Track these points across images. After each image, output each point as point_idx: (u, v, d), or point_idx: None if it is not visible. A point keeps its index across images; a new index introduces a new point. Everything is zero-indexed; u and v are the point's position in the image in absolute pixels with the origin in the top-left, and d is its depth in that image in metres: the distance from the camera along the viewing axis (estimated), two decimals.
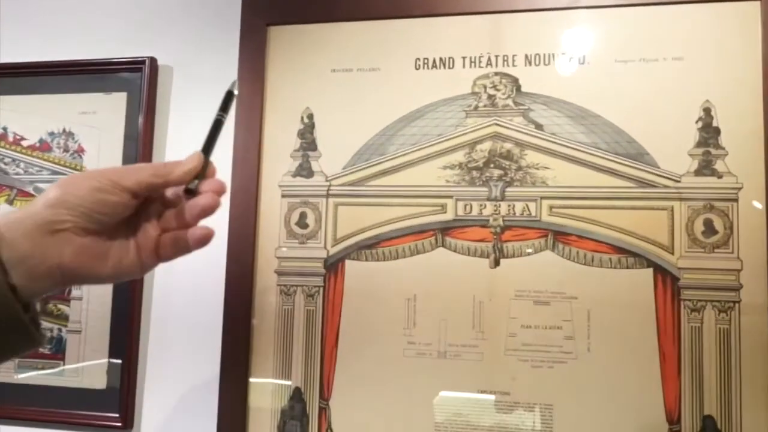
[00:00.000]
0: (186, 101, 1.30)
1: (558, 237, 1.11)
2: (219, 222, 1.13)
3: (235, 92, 0.73)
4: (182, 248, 0.64)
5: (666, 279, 1.07)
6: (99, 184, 0.57)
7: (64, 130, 1.30)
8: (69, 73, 1.29)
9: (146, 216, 0.64)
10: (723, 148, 1.07)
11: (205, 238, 0.63)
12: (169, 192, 0.64)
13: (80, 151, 1.29)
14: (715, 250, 1.06)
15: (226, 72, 1.26)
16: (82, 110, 1.29)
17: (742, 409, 1.03)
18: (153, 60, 1.27)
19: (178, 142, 1.30)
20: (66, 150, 1.30)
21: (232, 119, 1.24)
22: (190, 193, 0.63)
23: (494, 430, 1.10)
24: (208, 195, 0.63)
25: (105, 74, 1.28)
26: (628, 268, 1.09)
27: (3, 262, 0.52)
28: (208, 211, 0.63)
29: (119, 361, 1.23)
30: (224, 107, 0.72)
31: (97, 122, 1.29)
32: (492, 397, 1.11)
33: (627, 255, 1.09)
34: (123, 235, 0.62)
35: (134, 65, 1.26)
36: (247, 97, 1.24)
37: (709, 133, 1.08)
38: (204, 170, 0.64)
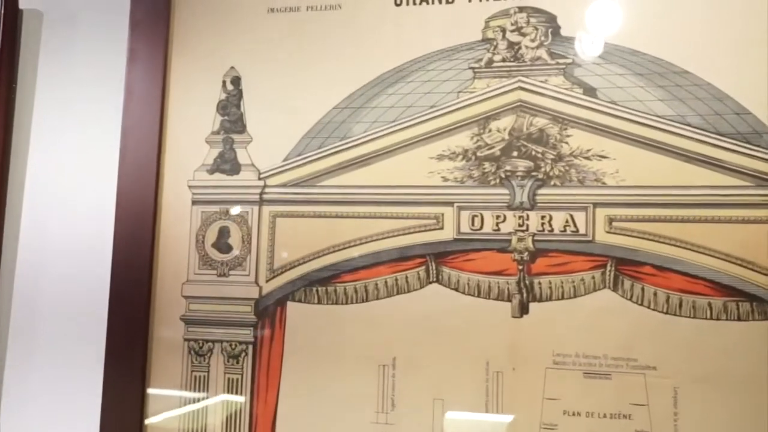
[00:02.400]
0: (59, 57, 0.94)
1: (623, 268, 0.73)
2: (98, 241, 0.86)
3: None
4: None
5: None
6: None
7: None
8: None
9: None
10: None
11: None
12: None
13: None
14: None
15: (115, 16, 0.90)
16: None
17: None
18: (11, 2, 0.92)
19: (48, 113, 0.93)
20: None
21: (119, 87, 0.84)
22: None
23: None
24: None
25: None
26: (739, 319, 0.70)
27: None
28: None
29: None
30: None
31: None
32: None
33: (738, 298, 0.70)
34: None
35: None
36: (143, 52, 0.86)
37: None
38: None
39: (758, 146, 0.70)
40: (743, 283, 0.69)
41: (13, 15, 0.92)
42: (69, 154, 0.90)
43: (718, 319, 0.70)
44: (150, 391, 0.81)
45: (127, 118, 0.85)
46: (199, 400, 0.81)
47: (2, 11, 0.90)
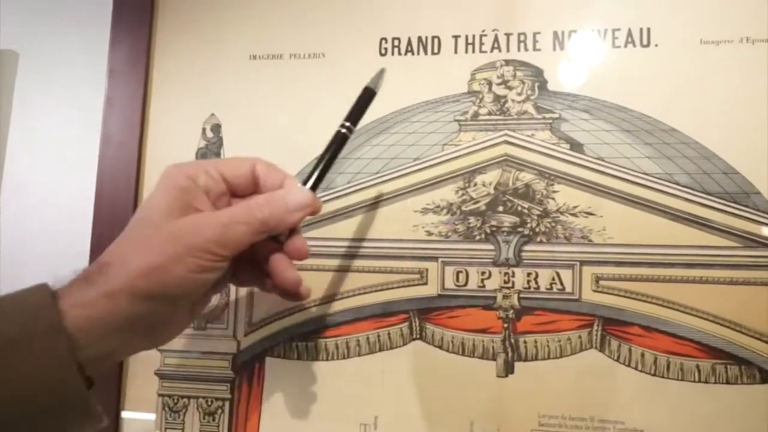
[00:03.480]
0: (35, 101, 0.90)
1: (610, 328, 0.70)
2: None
3: (377, 90, 0.62)
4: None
5: None
6: (198, 262, 0.49)
7: None
8: None
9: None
10: None
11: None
12: None
13: None
14: None
15: (92, 58, 0.86)
16: None
17: None
18: None
19: (22, 158, 0.89)
20: None
21: (95, 127, 0.80)
22: (278, 242, 0.55)
23: None
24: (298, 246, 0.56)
25: None
26: (728, 383, 0.67)
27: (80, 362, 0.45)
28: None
29: None
30: (354, 116, 0.60)
31: None
32: None
33: (727, 361, 0.68)
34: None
35: None
36: (120, 99, 0.81)
37: None
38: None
39: (746, 206, 0.68)
40: (731, 346, 0.67)
41: None
42: (42, 201, 0.86)
43: (706, 381, 0.67)
44: None
45: (103, 165, 0.81)
46: None
47: None
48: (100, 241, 0.80)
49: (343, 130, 0.59)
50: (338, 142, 0.59)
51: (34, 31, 0.90)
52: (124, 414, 0.78)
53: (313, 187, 0.57)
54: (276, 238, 0.55)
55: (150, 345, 0.53)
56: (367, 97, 0.62)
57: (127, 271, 0.47)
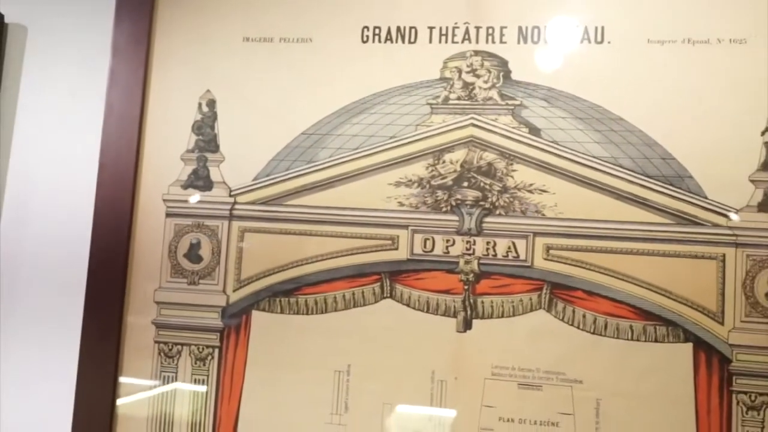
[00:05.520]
0: (42, 74, 0.98)
1: (557, 292, 0.80)
2: (77, 248, 0.89)
3: None
4: None
5: (711, 360, 0.77)
6: None
7: None
8: None
9: None
10: None
11: None
12: None
13: None
14: None
15: (97, 36, 0.94)
16: None
17: None
18: None
19: (29, 126, 0.97)
20: None
21: (101, 104, 0.88)
22: None
23: None
24: None
25: None
26: (657, 341, 0.78)
27: None
28: None
29: None
30: None
31: None
32: None
33: (656, 322, 0.78)
34: None
35: None
36: (123, 74, 0.90)
37: None
38: None
39: (680, 188, 0.78)
40: (661, 310, 0.77)
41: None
42: (49, 165, 0.94)
43: (638, 340, 0.77)
44: (121, 384, 0.87)
45: (106, 134, 0.89)
46: (166, 401, 0.86)
47: None
48: (102, 204, 0.88)
49: None
50: None
51: (41, 8, 0.97)
52: (122, 379, 0.86)
53: None
54: None
55: None
56: None
57: None
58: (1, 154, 0.96)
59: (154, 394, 0.86)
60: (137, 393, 0.86)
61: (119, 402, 0.86)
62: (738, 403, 0.75)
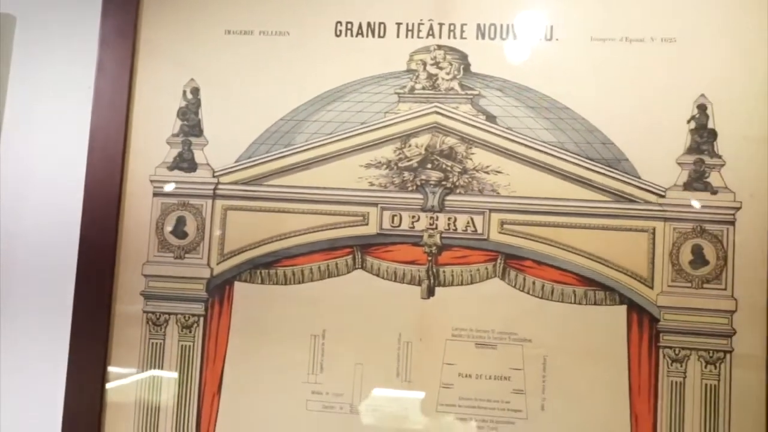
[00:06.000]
0: (31, 62, 1.02)
1: (510, 262, 0.89)
2: (68, 226, 0.95)
3: None
4: None
5: (642, 320, 0.87)
6: None
7: None
8: None
9: None
10: (719, 157, 0.87)
11: None
12: None
13: None
14: (705, 286, 0.86)
15: (85, 27, 0.99)
16: None
17: None
18: None
19: (19, 112, 1.02)
20: None
21: (89, 92, 0.94)
22: None
23: None
24: None
25: None
26: (596, 304, 0.88)
27: None
28: None
29: None
30: None
31: None
32: None
33: (596, 288, 0.88)
34: None
35: None
36: (111, 63, 0.96)
37: (703, 136, 0.87)
38: None
39: (617, 170, 0.88)
40: (600, 277, 0.87)
41: None
42: (40, 150, 0.99)
43: (579, 303, 0.87)
44: (112, 355, 0.93)
45: (95, 119, 0.95)
46: (155, 364, 0.93)
47: None
48: (92, 186, 0.94)
49: None
50: None
51: None
52: (113, 347, 0.93)
53: None
54: None
55: None
56: None
57: None
58: None
59: (144, 356, 0.93)
60: (127, 357, 0.93)
61: (110, 368, 0.93)
62: (664, 356, 0.86)
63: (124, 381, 0.93)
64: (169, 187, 0.95)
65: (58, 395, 0.93)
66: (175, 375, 0.93)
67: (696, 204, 0.86)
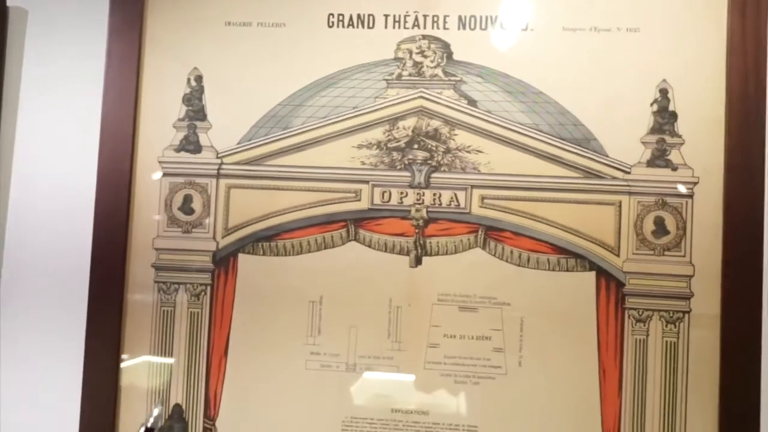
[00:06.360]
0: (43, 53, 1.09)
1: (490, 233, 0.97)
2: (83, 203, 1.02)
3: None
4: None
5: (610, 284, 0.96)
6: None
7: None
8: None
9: None
10: (679, 136, 0.95)
11: None
12: None
13: None
14: (666, 253, 0.95)
15: (93, 19, 1.05)
16: None
17: None
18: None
19: (34, 102, 1.09)
20: None
21: (101, 79, 1.01)
22: None
23: None
24: None
25: None
26: (568, 270, 0.96)
27: None
28: None
29: None
30: None
31: None
32: (408, 417, 0.94)
33: (568, 256, 0.96)
34: None
35: None
36: (120, 51, 1.03)
37: (664, 117, 0.95)
38: None
39: (587, 149, 0.96)
40: (571, 246, 0.95)
41: (2, 12, 1.05)
42: (54, 137, 1.06)
43: (553, 270, 0.96)
44: (126, 322, 1.01)
45: (106, 105, 1.02)
46: (166, 329, 1.02)
47: None
48: (104, 168, 1.02)
49: None
50: None
51: None
52: (127, 316, 1.01)
53: None
54: None
55: None
56: None
57: None
58: (8, 129, 1.07)
59: (156, 323, 1.02)
60: (140, 324, 1.01)
61: (124, 335, 1.01)
62: (629, 317, 0.95)
63: (138, 338, 1.01)
64: (176, 167, 1.02)
65: (77, 360, 1.01)
66: (169, 361, 1.01)
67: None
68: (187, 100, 1.03)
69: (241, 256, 1.01)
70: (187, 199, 1.02)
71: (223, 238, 1.01)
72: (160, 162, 1.03)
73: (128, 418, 1.00)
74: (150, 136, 1.03)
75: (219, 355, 1.00)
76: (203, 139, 1.02)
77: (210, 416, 1.00)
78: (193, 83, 1.03)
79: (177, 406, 1.00)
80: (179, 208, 1.02)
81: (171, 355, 1.01)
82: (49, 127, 1.07)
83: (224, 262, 1.01)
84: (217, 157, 1.02)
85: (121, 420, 1.01)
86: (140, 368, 1.01)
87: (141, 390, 1.01)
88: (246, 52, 1.03)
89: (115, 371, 1.00)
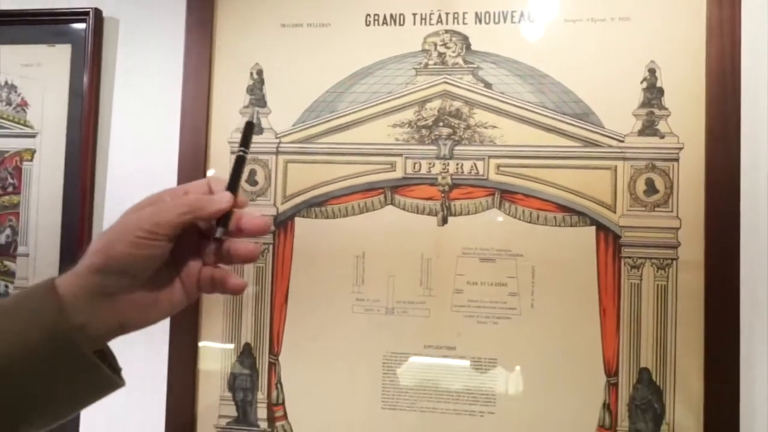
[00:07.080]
0: (132, 55, 1.28)
1: (504, 195, 1.12)
2: (166, 178, 1.16)
3: (255, 121, 0.72)
4: (219, 287, 0.63)
5: (608, 237, 1.09)
6: (135, 240, 0.56)
7: (6, 83, 1.26)
8: (10, 23, 1.25)
9: (185, 250, 0.63)
10: (666, 109, 1.09)
11: (250, 257, 0.64)
12: (202, 224, 0.63)
13: (23, 105, 1.26)
14: (656, 209, 1.08)
15: (174, 25, 1.24)
16: (24, 62, 1.25)
17: (676, 362, 1.06)
18: (97, 11, 1.24)
19: (125, 98, 1.28)
20: (9, 103, 1.26)
21: (180, 73, 1.22)
22: (218, 241, 0.63)
23: (441, 384, 1.12)
24: (247, 246, 0.63)
25: (48, 25, 1.24)
26: (571, 226, 1.10)
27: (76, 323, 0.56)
28: (248, 261, 0.66)
29: None
30: (245, 141, 0.69)
31: (40, 75, 1.25)
32: (438, 352, 1.13)
33: (571, 213, 1.11)
34: (167, 277, 0.63)
35: (78, 16, 1.22)
36: (196, 51, 1.22)
37: (653, 93, 1.09)
38: (229, 216, 0.63)
39: (587, 122, 1.12)
40: (574, 204, 1.09)
41: (99, 22, 1.25)
42: (143, 125, 1.23)
43: (559, 226, 1.10)
44: None
45: (185, 96, 1.20)
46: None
47: (92, 20, 1.22)
48: (184, 148, 1.22)
49: (241, 153, 0.68)
50: (239, 162, 0.67)
51: (130, 2, 1.26)
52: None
53: (230, 189, 0.64)
54: (218, 240, 0.63)
55: (131, 321, 0.60)
56: (249, 128, 0.70)
57: (90, 250, 0.57)
58: (104, 119, 1.25)
59: None
60: None
61: None
62: (625, 264, 1.09)
63: (212, 297, 1.21)
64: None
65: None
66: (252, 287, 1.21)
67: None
68: (250, 90, 1.22)
69: (297, 220, 1.18)
70: (252, 173, 1.21)
71: (282, 204, 1.19)
72: (229, 143, 1.22)
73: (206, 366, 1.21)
74: (221, 122, 1.21)
75: (281, 302, 1.19)
76: (264, 122, 1.20)
77: (274, 352, 1.19)
78: (255, 76, 1.22)
79: (247, 345, 1.21)
80: (246, 181, 1.21)
81: (240, 303, 1.21)
82: (139, 117, 1.25)
83: (283, 224, 1.20)
84: (276, 138, 1.20)
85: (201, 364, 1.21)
86: (216, 314, 1.22)
87: (217, 332, 1.21)
88: (298, 49, 1.20)
89: (194, 316, 1.21)
